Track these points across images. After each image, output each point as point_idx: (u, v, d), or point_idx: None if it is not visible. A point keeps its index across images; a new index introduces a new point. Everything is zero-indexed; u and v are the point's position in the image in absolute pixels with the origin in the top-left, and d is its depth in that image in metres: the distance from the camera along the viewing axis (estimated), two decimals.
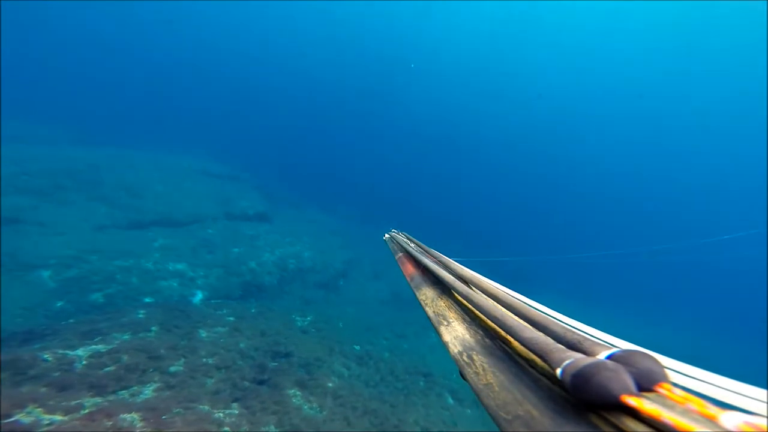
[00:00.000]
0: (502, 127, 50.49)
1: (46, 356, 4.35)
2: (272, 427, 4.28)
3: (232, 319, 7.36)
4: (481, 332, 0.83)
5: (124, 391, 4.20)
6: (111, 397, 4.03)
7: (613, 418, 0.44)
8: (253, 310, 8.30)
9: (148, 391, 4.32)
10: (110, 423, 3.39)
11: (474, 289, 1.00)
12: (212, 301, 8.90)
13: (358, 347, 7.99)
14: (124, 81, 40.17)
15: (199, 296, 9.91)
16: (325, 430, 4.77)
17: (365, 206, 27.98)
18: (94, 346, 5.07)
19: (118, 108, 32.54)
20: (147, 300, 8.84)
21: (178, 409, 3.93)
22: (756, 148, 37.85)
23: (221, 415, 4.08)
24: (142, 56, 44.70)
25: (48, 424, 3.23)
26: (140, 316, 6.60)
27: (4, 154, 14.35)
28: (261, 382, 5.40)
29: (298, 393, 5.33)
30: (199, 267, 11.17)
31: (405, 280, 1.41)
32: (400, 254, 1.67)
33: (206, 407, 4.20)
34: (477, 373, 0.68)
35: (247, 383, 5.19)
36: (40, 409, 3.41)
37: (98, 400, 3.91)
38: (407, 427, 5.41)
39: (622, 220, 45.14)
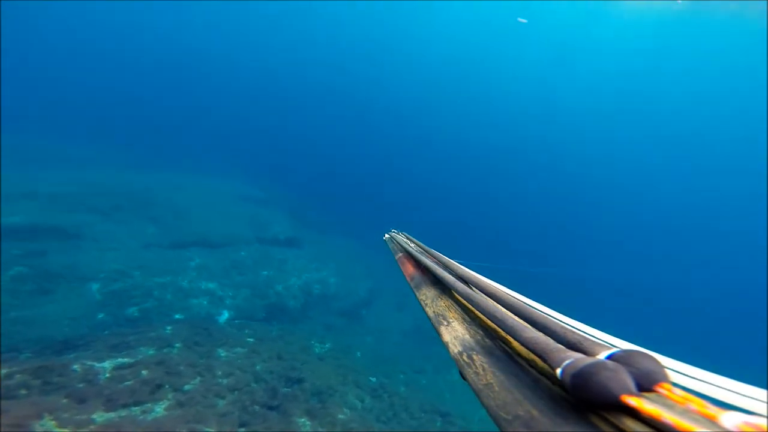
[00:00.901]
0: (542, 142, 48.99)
1: (75, 367, 4.44)
2: None
3: (252, 340, 7.27)
4: (481, 332, 0.82)
5: (136, 408, 4.14)
6: (123, 413, 3.97)
7: (613, 418, 0.44)
8: (273, 333, 8.19)
9: (159, 409, 4.23)
10: None
11: (474, 289, 0.97)
12: (236, 321, 8.91)
13: (374, 379, 7.53)
14: (177, 109, 44.32)
15: (225, 315, 9.99)
16: None
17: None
18: (120, 359, 5.14)
19: (172, 134, 35.65)
20: (177, 316, 9.02)
21: (183, 431, 3.78)
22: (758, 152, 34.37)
23: None
24: (192, 87, 49.25)
25: None
26: (167, 331, 6.70)
27: (77, 176, 16.11)
28: (271, 408, 5.15)
29: (307, 423, 5.00)
30: (228, 287, 11.38)
31: (403, 275, 1.34)
32: (400, 254, 1.62)
33: (212, 430, 4.01)
34: (477, 373, 0.67)
35: (257, 407, 4.96)
36: (53, 422, 3.41)
37: (111, 415, 3.86)
38: None
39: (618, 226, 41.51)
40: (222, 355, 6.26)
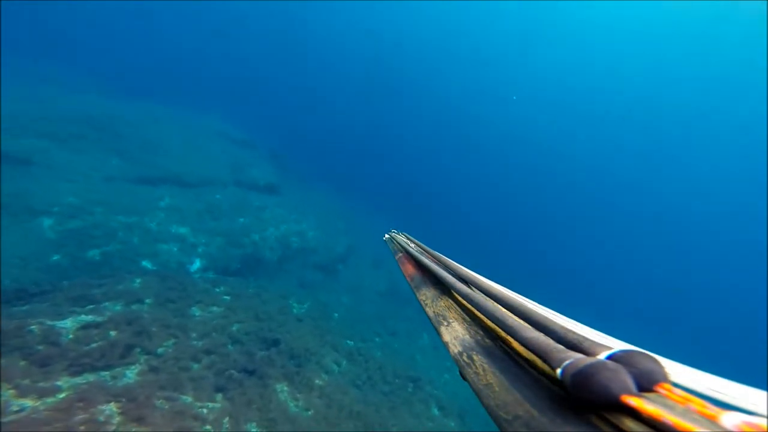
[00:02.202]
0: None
1: (32, 327, 4.17)
2: (253, 427, 4.11)
3: (228, 298, 7.19)
4: (481, 332, 0.84)
5: (106, 372, 4.03)
6: (91, 378, 3.86)
7: (613, 419, 0.44)
8: (250, 290, 8.13)
9: (131, 374, 4.15)
10: (86, 415, 3.21)
11: (474, 289, 0.98)
12: (210, 275, 8.74)
13: (351, 342, 7.84)
14: (158, 36, 39.74)
15: (197, 264, 9.78)
16: None
17: (376, 195, 28.25)
18: (83, 317, 4.90)
19: (151, 62, 32.31)
20: (144, 263, 8.71)
21: (160, 401, 3.74)
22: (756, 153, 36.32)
23: (204, 410, 3.89)
24: (177, 14, 43.64)
25: (16, 411, 3.04)
26: (136, 285, 6.43)
27: (30, 95, 14.13)
28: (248, 372, 5.25)
29: (285, 388, 5.17)
30: (201, 233, 11.01)
31: (403, 274, 1.38)
32: (400, 254, 1.66)
33: (189, 398, 4.02)
34: (477, 374, 0.68)
35: (234, 372, 5.02)
36: (12, 391, 3.23)
37: (78, 380, 3.74)
38: None
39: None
40: (197, 314, 6.16)
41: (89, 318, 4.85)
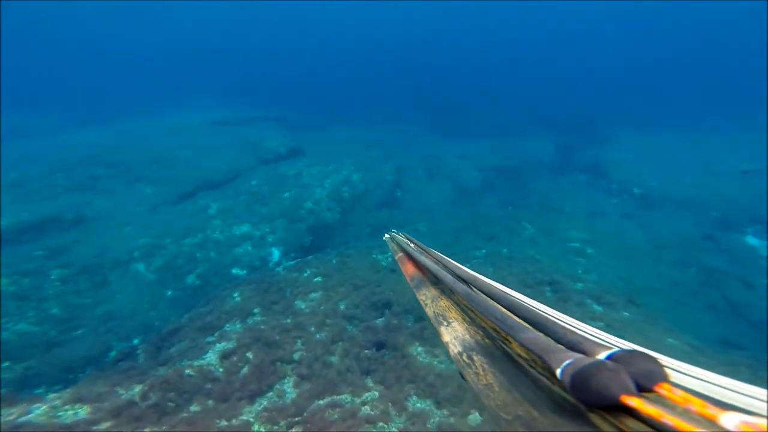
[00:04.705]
0: None
1: (189, 372, 5.05)
2: (416, 401, 4.71)
3: (319, 279, 7.77)
4: (481, 332, 0.89)
5: (271, 393, 4.84)
6: (265, 402, 4.68)
7: (613, 419, 0.48)
8: (334, 261, 8.66)
9: (289, 388, 4.92)
10: None
11: (474, 289, 1.03)
12: (291, 263, 9.41)
13: None
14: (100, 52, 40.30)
15: (276, 254, 10.61)
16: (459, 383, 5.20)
17: (392, 107, 27.97)
18: (218, 345, 5.78)
19: (107, 82, 33.26)
20: (234, 271, 9.72)
21: (327, 412, 4.38)
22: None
23: (367, 407, 4.51)
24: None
25: None
26: (237, 299, 7.26)
27: (25, 153, 15.33)
28: (380, 346, 5.86)
29: (419, 348, 5.72)
30: (261, 223, 11.69)
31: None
32: (401, 254, 1.75)
33: (347, 396, 4.68)
34: (477, 374, 0.73)
35: (367, 351, 5.66)
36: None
37: (257, 407, 4.58)
38: None
39: None
40: (302, 307, 6.84)
41: (223, 346, 5.72)
